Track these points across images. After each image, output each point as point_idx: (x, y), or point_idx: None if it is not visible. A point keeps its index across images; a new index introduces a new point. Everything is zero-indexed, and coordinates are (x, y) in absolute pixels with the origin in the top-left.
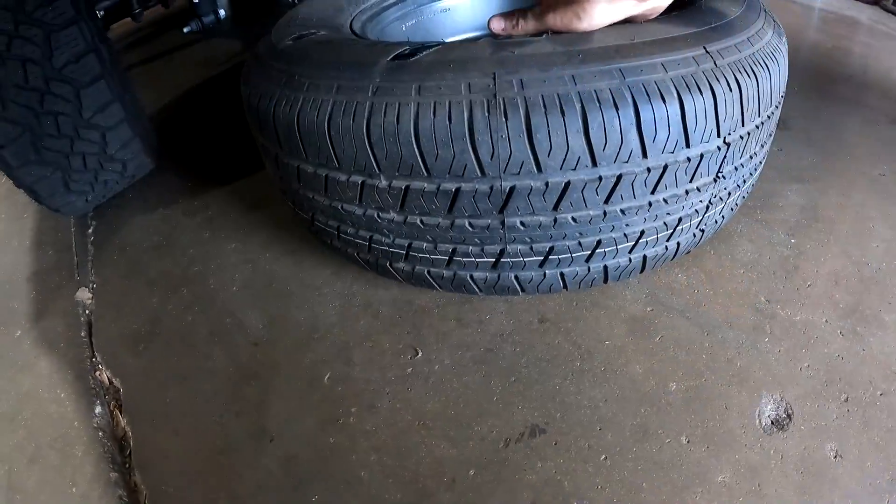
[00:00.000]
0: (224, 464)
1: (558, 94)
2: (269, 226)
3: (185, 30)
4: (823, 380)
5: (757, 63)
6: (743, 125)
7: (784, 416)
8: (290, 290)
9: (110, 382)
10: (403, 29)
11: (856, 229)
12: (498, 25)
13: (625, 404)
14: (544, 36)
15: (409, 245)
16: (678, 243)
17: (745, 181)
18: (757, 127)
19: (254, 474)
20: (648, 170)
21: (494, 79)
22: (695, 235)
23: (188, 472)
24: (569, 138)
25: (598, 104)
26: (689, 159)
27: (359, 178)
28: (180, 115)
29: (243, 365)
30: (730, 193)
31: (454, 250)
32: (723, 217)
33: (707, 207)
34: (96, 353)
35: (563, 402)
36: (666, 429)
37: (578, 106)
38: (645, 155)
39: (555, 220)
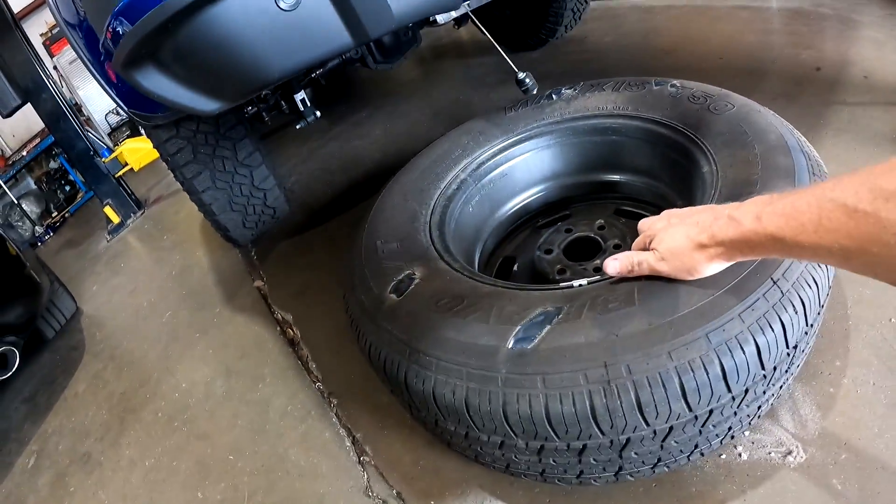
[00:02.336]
0: (345, 333)
1: (660, 374)
2: None
3: (297, 126)
4: None
5: (815, 266)
6: (808, 327)
7: None
8: None
9: (283, 317)
10: (471, 210)
11: None
12: (613, 269)
13: None
14: (636, 304)
15: (542, 471)
16: (759, 408)
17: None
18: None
19: None
20: (733, 398)
21: (606, 367)
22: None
23: (329, 340)
24: (671, 404)
25: (692, 373)
26: (765, 376)
27: (498, 439)
28: (299, 174)
29: None
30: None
31: (581, 471)
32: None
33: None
34: (272, 306)
35: None
36: None
37: (676, 379)
38: (730, 390)
39: (661, 447)
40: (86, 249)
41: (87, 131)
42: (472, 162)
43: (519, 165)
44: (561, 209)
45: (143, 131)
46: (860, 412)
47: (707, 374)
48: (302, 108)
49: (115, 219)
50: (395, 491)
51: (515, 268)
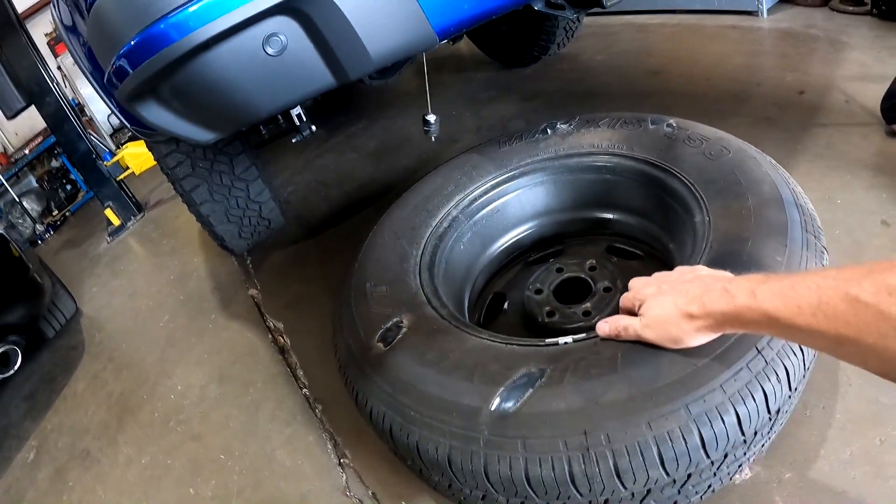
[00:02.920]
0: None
1: (638, 443)
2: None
3: (293, 140)
4: None
5: None
6: (791, 392)
7: None
8: None
9: (275, 326)
10: (462, 247)
11: None
12: (602, 332)
13: None
14: (618, 371)
15: None
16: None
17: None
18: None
19: None
20: (712, 462)
21: (585, 435)
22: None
23: (317, 350)
24: (648, 471)
25: (670, 443)
26: (745, 441)
27: (480, 493)
28: (295, 185)
29: None
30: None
31: None
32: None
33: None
34: (265, 314)
35: None
36: None
37: (655, 449)
38: (709, 457)
39: None
40: (86, 250)
41: (90, 134)
42: (465, 198)
43: (512, 202)
44: (553, 245)
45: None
46: (808, 434)
47: (686, 443)
48: (298, 123)
49: (116, 221)
50: (370, 492)
51: (506, 306)
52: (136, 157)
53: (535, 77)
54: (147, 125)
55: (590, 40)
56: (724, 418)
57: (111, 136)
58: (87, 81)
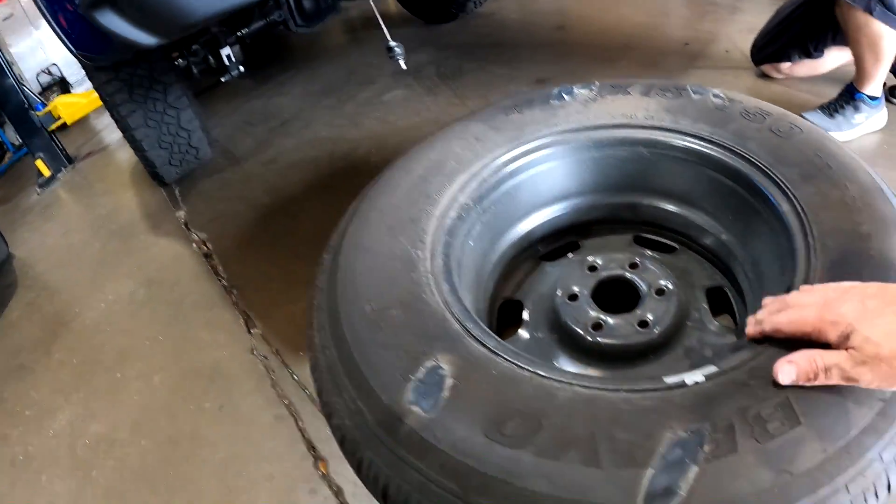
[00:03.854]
0: (250, 245)
1: None
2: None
3: (223, 79)
4: None
5: None
6: None
7: None
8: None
9: (199, 238)
10: (471, 244)
11: None
12: (788, 377)
13: None
14: (802, 423)
15: None
16: None
17: None
18: None
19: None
20: None
21: None
22: None
23: (236, 251)
24: None
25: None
26: None
27: None
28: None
29: (268, 215)
30: None
31: None
32: None
33: None
34: (191, 228)
35: None
36: None
37: None
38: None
39: None
40: (16, 204)
41: (23, 85)
42: (472, 179)
43: (526, 183)
44: (566, 235)
45: (84, 72)
46: None
47: (877, 498)
48: (227, 63)
49: (46, 172)
50: (274, 349)
51: (526, 316)
52: (69, 106)
53: (452, 32)
54: (92, 40)
55: (507, 1)
56: None
57: (40, 94)
58: (17, 40)
